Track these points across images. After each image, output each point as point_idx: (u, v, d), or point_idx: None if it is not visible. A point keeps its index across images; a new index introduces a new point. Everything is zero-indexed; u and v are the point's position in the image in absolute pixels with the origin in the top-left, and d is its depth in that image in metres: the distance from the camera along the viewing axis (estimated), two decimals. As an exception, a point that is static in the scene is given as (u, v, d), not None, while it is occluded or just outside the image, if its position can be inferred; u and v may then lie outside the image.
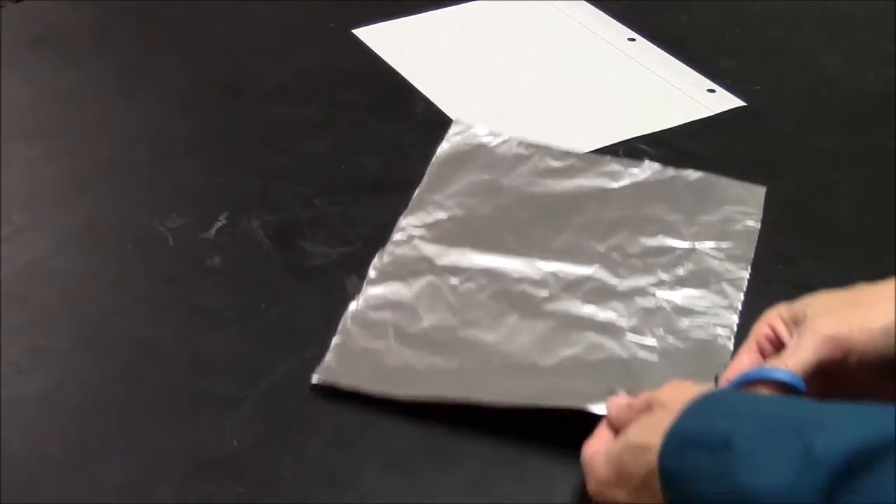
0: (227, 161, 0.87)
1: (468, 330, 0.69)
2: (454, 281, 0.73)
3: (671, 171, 0.84)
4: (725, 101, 0.95)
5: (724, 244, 0.76)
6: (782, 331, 0.60)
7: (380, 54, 1.02)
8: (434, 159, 0.85)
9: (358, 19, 1.07)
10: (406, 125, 0.92)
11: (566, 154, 0.86)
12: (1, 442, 0.61)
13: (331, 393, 0.65)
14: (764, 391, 0.56)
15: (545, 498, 0.59)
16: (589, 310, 0.70)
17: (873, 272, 0.62)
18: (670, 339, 0.68)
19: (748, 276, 0.74)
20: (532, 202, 0.81)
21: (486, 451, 0.61)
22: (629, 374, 0.65)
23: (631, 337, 0.68)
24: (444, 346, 0.67)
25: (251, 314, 0.71)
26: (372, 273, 0.73)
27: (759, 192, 0.82)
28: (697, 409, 0.52)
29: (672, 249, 0.76)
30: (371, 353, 0.67)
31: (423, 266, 0.74)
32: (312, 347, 0.68)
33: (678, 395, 0.54)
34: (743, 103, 0.95)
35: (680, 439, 0.50)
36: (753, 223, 0.79)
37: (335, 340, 0.68)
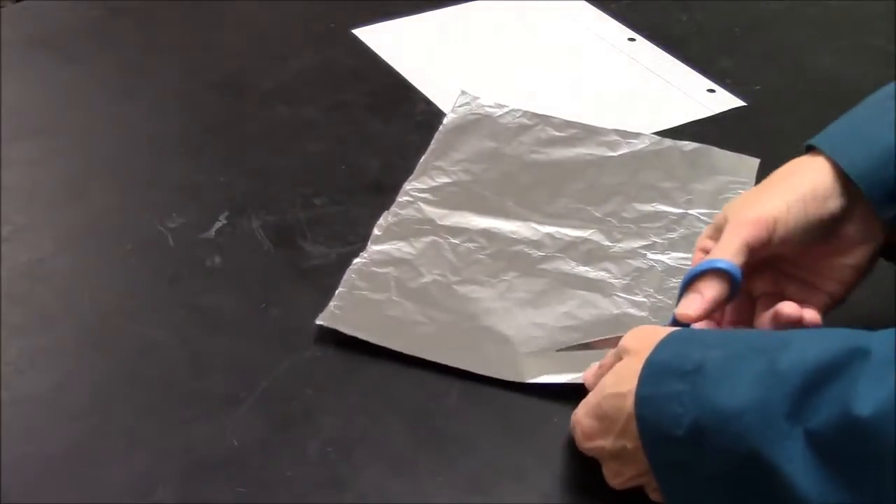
0: (227, 161, 0.87)
1: (466, 286, 0.72)
2: (455, 240, 0.76)
3: (668, 142, 0.87)
4: (725, 101, 0.95)
5: (715, 211, 0.79)
6: (712, 246, 0.62)
7: (380, 54, 1.02)
8: (441, 128, 0.88)
9: (358, 19, 1.07)
10: (406, 125, 0.91)
11: (568, 124, 0.89)
12: (1, 442, 0.61)
13: (331, 392, 0.65)
14: (707, 284, 0.59)
15: (545, 498, 0.59)
16: (582, 270, 0.74)
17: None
18: (659, 297, 0.71)
19: None
20: (533, 169, 0.84)
21: (486, 451, 0.61)
22: (618, 328, 0.66)
23: (622, 294, 0.71)
24: (443, 301, 0.71)
25: (251, 314, 0.71)
26: (377, 231, 0.76)
27: (752, 163, 0.85)
28: (670, 342, 0.54)
29: (665, 215, 0.79)
30: (373, 304, 0.70)
31: (426, 227, 0.77)
32: (312, 347, 0.68)
33: (645, 339, 0.55)
34: (743, 103, 0.95)
35: (655, 369, 0.52)
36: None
37: (339, 290, 0.71)
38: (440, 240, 0.76)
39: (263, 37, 1.06)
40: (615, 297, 0.72)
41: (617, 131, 0.88)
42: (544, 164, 0.85)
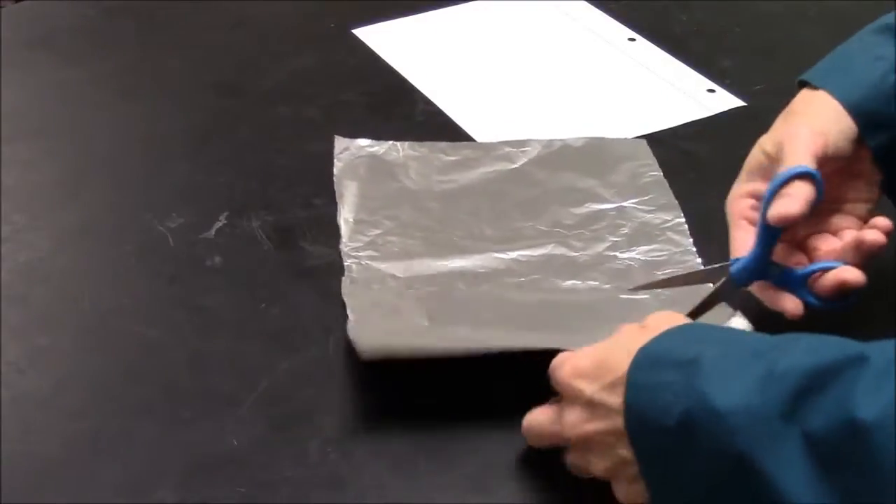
0: (227, 161, 0.87)
1: (466, 326, 0.68)
2: (431, 288, 0.72)
3: (558, 142, 0.86)
4: (725, 101, 0.95)
5: (646, 197, 0.80)
6: (761, 186, 0.64)
7: (380, 54, 1.02)
8: (335, 179, 0.82)
9: (358, 19, 1.07)
10: (406, 125, 0.91)
11: (454, 147, 0.86)
12: (1, 442, 0.61)
13: (331, 392, 0.65)
14: (798, 186, 0.60)
15: (545, 498, 0.59)
16: (570, 284, 0.72)
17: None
18: (658, 290, 0.70)
19: (684, 221, 0.78)
20: (451, 199, 0.81)
21: (486, 451, 0.61)
22: (632, 313, 0.66)
23: (624, 296, 0.71)
24: (455, 329, 0.67)
25: (251, 314, 0.71)
26: (347, 299, 0.69)
27: (643, 144, 0.86)
28: (671, 334, 0.54)
29: (604, 213, 0.79)
30: (392, 330, 0.67)
31: (391, 283, 0.72)
32: (312, 347, 0.68)
33: (665, 320, 0.56)
34: (743, 103, 0.95)
35: (650, 357, 0.52)
36: (656, 173, 0.83)
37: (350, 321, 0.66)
38: (417, 291, 0.71)
39: (263, 37, 1.06)
40: (620, 300, 0.70)
41: (505, 142, 0.86)
42: (457, 192, 0.81)
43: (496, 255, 0.75)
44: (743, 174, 0.68)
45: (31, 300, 0.72)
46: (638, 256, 0.74)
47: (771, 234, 0.63)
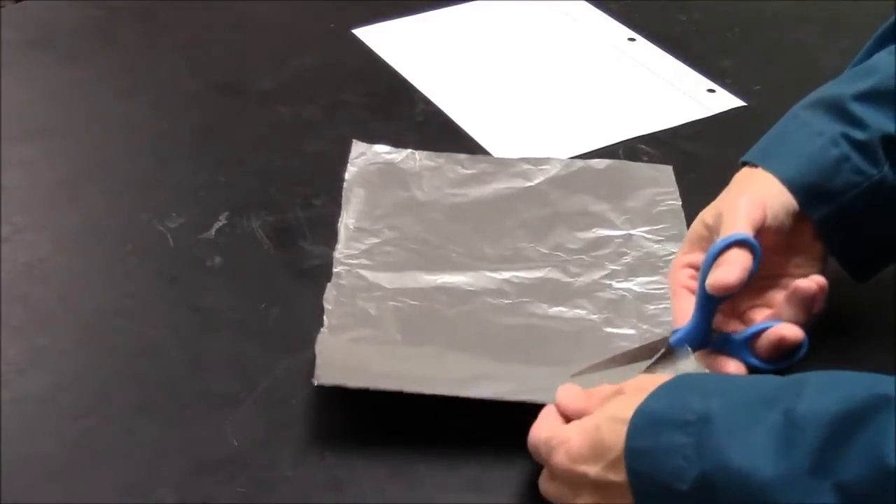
0: (227, 161, 0.87)
1: (445, 348, 0.67)
2: (414, 302, 0.70)
3: (579, 163, 0.85)
4: (725, 101, 0.95)
5: (657, 227, 0.78)
6: (699, 258, 0.65)
7: (380, 54, 1.02)
8: (345, 184, 0.81)
9: (358, 19, 1.07)
10: (406, 125, 0.91)
11: (472, 159, 0.85)
12: (1, 442, 0.61)
13: (331, 393, 0.65)
14: (736, 254, 0.60)
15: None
16: (556, 311, 0.71)
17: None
18: (644, 327, 0.69)
19: None
20: (457, 213, 0.79)
21: (486, 451, 0.61)
22: (608, 345, 0.66)
23: (607, 330, 0.69)
24: (425, 362, 0.66)
25: (251, 314, 0.71)
26: (327, 305, 0.69)
27: (668, 171, 0.84)
28: (665, 390, 0.52)
29: (610, 239, 0.77)
30: (357, 355, 0.66)
31: (376, 293, 0.71)
32: (312, 347, 0.68)
33: (652, 382, 0.54)
34: (743, 103, 0.95)
35: (649, 419, 0.50)
36: (675, 202, 0.81)
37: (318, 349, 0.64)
38: (399, 304, 0.70)
39: (263, 37, 1.06)
40: (602, 333, 0.69)
41: (525, 160, 0.84)
42: (467, 207, 0.80)
43: (489, 273, 0.73)
44: (685, 245, 0.68)
45: (31, 300, 0.72)
46: (633, 287, 0.72)
47: (710, 303, 0.62)
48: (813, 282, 0.61)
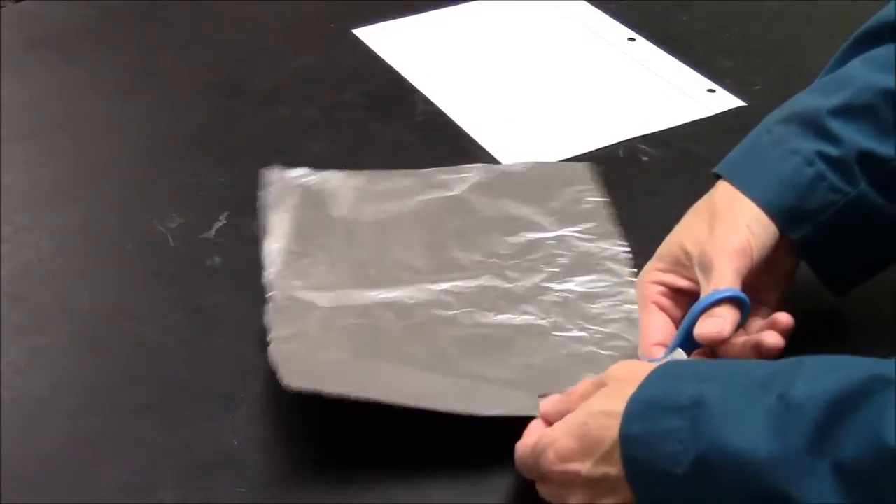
0: (227, 161, 0.87)
1: (393, 363, 0.66)
2: (357, 321, 0.69)
3: (497, 168, 0.84)
4: (725, 101, 0.95)
5: (586, 225, 0.77)
6: (673, 279, 0.66)
7: (380, 54, 1.02)
8: (264, 210, 0.78)
9: (358, 19, 1.07)
10: (406, 125, 0.91)
11: (388, 175, 0.82)
12: (1, 442, 0.61)
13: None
14: (726, 309, 0.60)
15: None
16: (502, 318, 0.70)
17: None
18: (593, 327, 0.69)
19: (627, 250, 0.75)
20: (386, 229, 0.77)
21: (486, 451, 0.61)
22: (573, 367, 0.66)
23: (557, 334, 0.69)
24: (376, 380, 0.64)
25: (251, 314, 0.71)
26: (270, 327, 0.66)
27: (584, 169, 0.83)
28: (658, 377, 0.52)
29: (541, 242, 0.76)
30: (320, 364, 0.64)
31: (315, 312, 0.69)
32: (312, 347, 0.68)
33: (633, 370, 0.54)
34: (743, 103, 0.95)
35: (644, 405, 0.50)
36: (597, 198, 0.80)
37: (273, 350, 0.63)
38: (343, 323, 0.68)
39: (263, 37, 1.06)
40: (552, 337, 0.68)
41: (442, 169, 0.83)
42: (392, 222, 0.78)
43: (428, 286, 0.72)
44: (656, 261, 0.68)
45: (31, 300, 0.72)
46: (575, 288, 0.72)
47: (693, 343, 0.62)
48: (778, 335, 0.61)
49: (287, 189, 0.80)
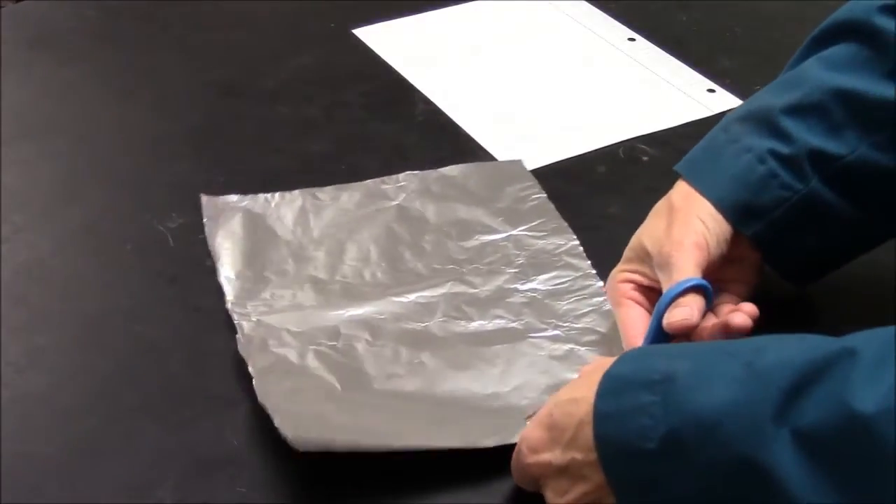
0: (227, 161, 0.87)
1: (381, 381, 0.65)
2: (332, 343, 0.67)
3: (434, 173, 0.83)
4: (725, 101, 0.95)
5: (535, 223, 0.78)
6: (639, 278, 0.66)
7: (380, 54, 1.02)
8: (208, 238, 0.76)
9: (358, 19, 1.07)
10: (406, 125, 0.91)
11: (325, 191, 0.81)
12: (1, 442, 0.61)
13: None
14: (692, 298, 0.62)
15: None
16: (476, 325, 0.70)
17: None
18: (565, 324, 0.69)
19: (577, 243, 0.76)
20: (336, 246, 0.76)
21: (486, 452, 0.61)
22: (556, 367, 0.66)
23: (533, 336, 0.69)
24: (368, 401, 0.64)
25: (251, 314, 0.71)
26: (245, 356, 0.65)
27: (520, 165, 0.84)
28: (631, 357, 0.53)
29: (494, 244, 0.76)
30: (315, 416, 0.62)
31: (288, 338, 0.67)
32: (312, 347, 0.68)
33: (604, 362, 0.54)
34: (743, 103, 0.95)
35: (616, 381, 0.51)
36: (540, 194, 0.80)
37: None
38: (318, 347, 0.66)
39: (263, 37, 1.06)
40: (530, 340, 0.68)
41: (380, 179, 0.82)
42: (342, 237, 0.76)
43: (394, 298, 0.71)
44: (622, 262, 0.69)
45: (31, 300, 0.72)
46: (540, 287, 0.72)
47: (664, 337, 0.63)
48: (745, 315, 0.62)
49: (227, 215, 0.78)
